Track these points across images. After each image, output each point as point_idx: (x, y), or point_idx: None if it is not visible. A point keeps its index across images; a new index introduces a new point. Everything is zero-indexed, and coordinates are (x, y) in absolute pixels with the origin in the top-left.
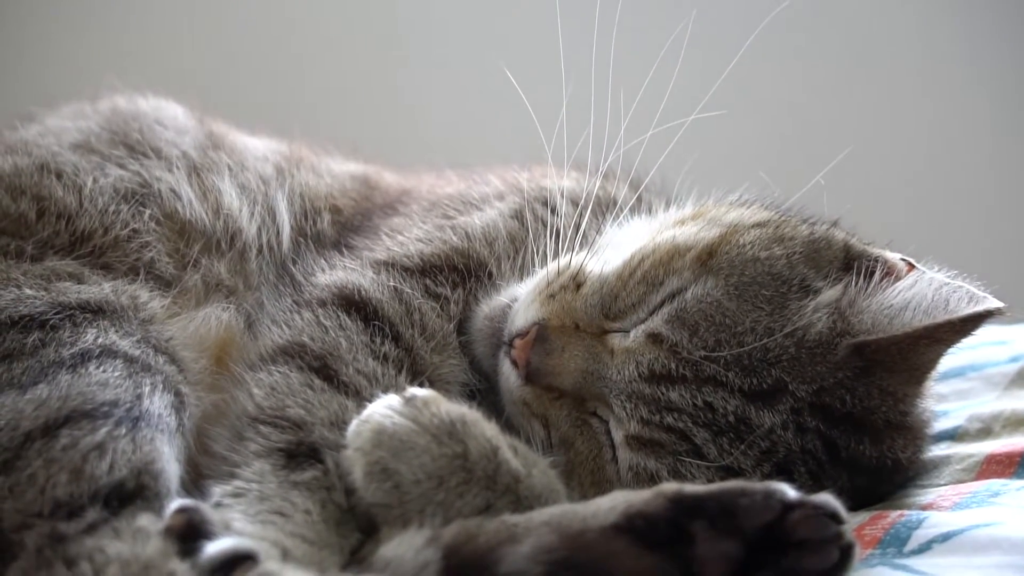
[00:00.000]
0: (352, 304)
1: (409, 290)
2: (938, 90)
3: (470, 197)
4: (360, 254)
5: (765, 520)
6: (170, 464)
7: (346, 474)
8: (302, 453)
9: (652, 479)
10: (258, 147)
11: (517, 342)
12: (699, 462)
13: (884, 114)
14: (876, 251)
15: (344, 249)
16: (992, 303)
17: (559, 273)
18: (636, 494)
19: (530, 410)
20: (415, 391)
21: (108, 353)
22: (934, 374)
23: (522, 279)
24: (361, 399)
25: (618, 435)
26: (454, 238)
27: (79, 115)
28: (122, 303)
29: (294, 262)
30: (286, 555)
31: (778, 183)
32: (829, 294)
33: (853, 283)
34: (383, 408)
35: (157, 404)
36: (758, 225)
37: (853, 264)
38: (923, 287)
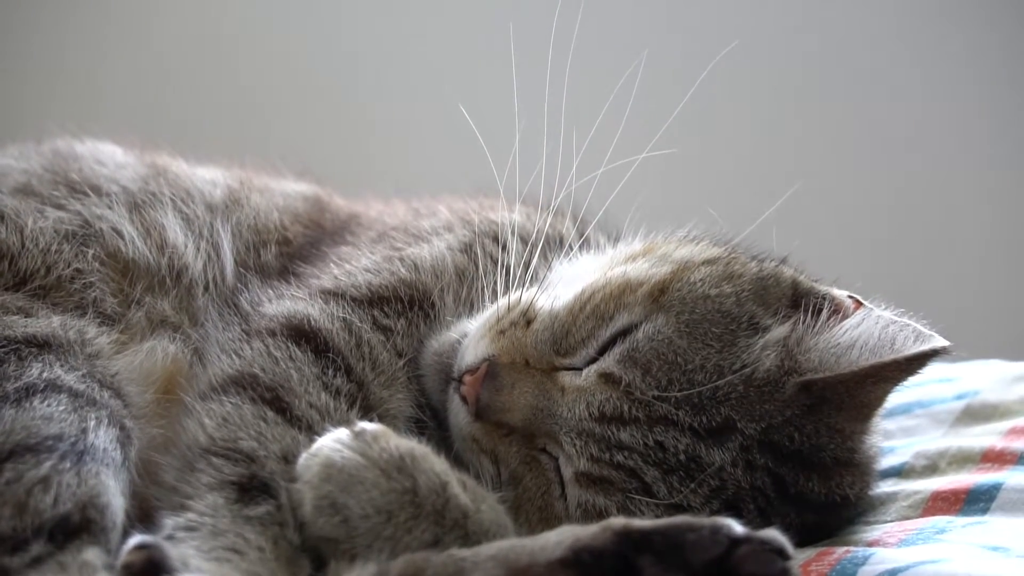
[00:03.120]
0: (302, 335)
1: (358, 322)
2: (885, 127)
3: (419, 228)
4: (308, 282)
5: (712, 555)
6: (116, 498)
7: (297, 507)
8: (255, 487)
9: (601, 516)
10: (205, 177)
11: (467, 378)
12: (648, 499)
13: (832, 151)
14: (824, 288)
15: (291, 277)
16: (938, 342)
17: (509, 309)
18: (583, 528)
19: (479, 446)
20: (364, 425)
21: (53, 387)
22: (881, 411)
23: (470, 314)
24: (313, 433)
25: (567, 472)
26: (402, 269)
27: (23, 156)
28: (69, 338)
29: (240, 292)
30: None
31: (727, 219)
32: (777, 332)
33: (801, 321)
34: (332, 442)
35: (102, 438)
36: (708, 262)
37: (801, 301)
38: (870, 325)
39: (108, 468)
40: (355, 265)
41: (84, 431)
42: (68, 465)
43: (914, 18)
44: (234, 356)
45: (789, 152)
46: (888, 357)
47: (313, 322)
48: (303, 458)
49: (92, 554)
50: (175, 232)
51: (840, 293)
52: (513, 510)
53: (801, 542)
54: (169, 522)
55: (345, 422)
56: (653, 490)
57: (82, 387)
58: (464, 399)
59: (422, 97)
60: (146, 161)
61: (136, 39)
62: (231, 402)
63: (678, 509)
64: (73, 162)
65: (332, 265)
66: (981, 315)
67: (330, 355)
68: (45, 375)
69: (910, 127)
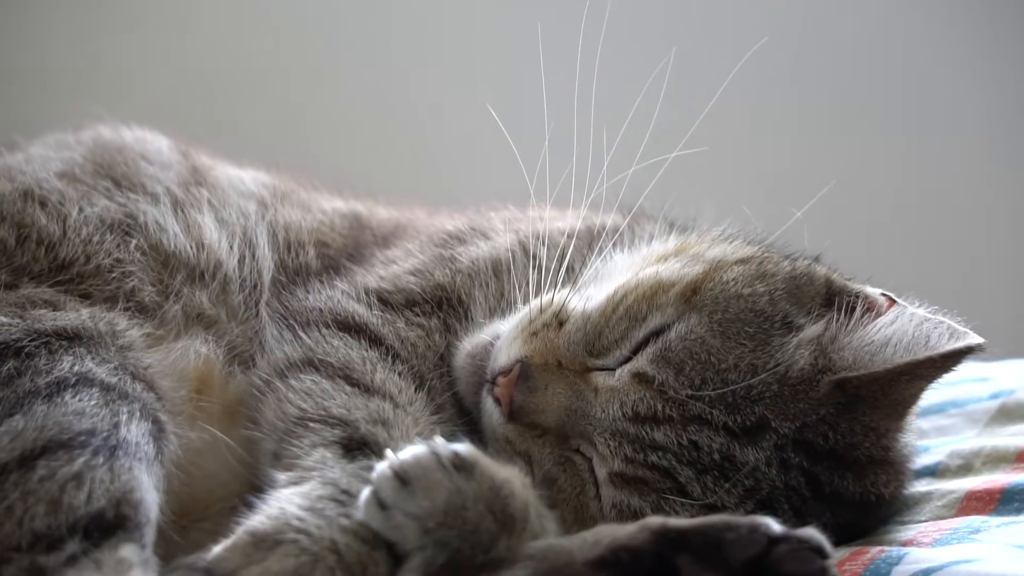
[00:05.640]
0: (351, 327)
1: (399, 322)
2: (920, 124)
3: (465, 233)
4: (353, 280)
5: (750, 554)
6: (149, 493)
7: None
8: (355, 447)
9: (635, 516)
10: (244, 180)
11: (500, 380)
12: (683, 500)
13: (866, 149)
14: (857, 287)
15: (336, 273)
16: (973, 339)
17: (541, 310)
18: (621, 528)
19: (513, 447)
20: (467, 453)
21: (84, 381)
22: (915, 409)
23: (504, 315)
24: (396, 404)
25: (601, 472)
26: (444, 272)
27: (63, 146)
28: (100, 329)
29: (287, 288)
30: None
31: (760, 218)
32: (811, 330)
33: (835, 319)
34: (436, 472)
35: (135, 432)
36: (741, 261)
37: (834, 300)
38: (904, 323)
39: (141, 463)
40: (401, 267)
41: (116, 425)
42: (101, 461)
43: (951, 13)
44: (295, 344)
45: (823, 150)
46: (923, 355)
47: (359, 317)
48: (408, 496)
49: (128, 551)
50: (211, 230)
51: (873, 291)
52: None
53: (835, 542)
54: (282, 476)
55: (416, 402)
56: (687, 490)
57: (114, 380)
58: (497, 401)
59: (450, 98)
60: (188, 164)
61: (165, 45)
62: (310, 379)
63: (712, 509)
64: (119, 155)
65: (379, 266)
66: (1016, 314)
67: (385, 345)
68: (76, 368)
69: (945, 124)
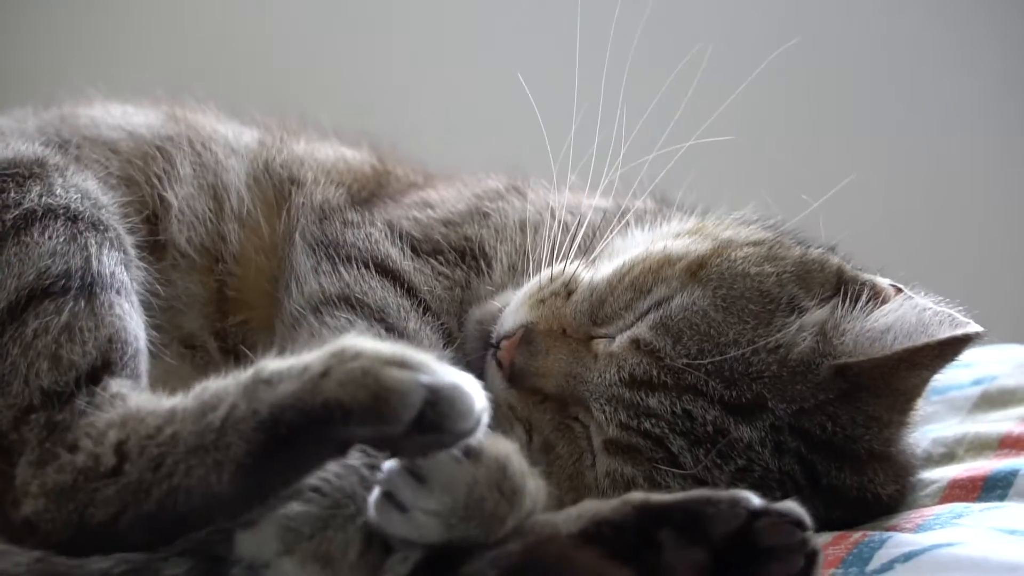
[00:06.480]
0: (387, 272)
1: (428, 270)
2: (942, 119)
3: (503, 190)
4: (388, 217)
5: (732, 528)
6: (132, 321)
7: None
8: None
9: (628, 486)
10: (241, 128)
11: (504, 343)
12: (674, 471)
13: (887, 142)
14: (867, 276)
15: (373, 207)
16: (972, 328)
17: (551, 279)
18: (604, 502)
19: (514, 413)
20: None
21: (50, 213)
22: (919, 403)
23: (517, 285)
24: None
25: (597, 440)
26: (473, 226)
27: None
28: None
29: (323, 221)
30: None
31: (781, 207)
32: (816, 315)
33: (840, 305)
34: (454, 467)
35: (107, 263)
36: (753, 243)
37: (843, 288)
38: (906, 311)
39: (120, 295)
40: (435, 213)
41: (87, 260)
42: (83, 304)
43: (970, 15)
44: (333, 277)
45: (846, 142)
46: (921, 341)
47: (393, 263)
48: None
49: (117, 385)
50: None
51: (883, 281)
52: (544, 477)
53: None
54: None
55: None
56: (679, 461)
57: (81, 208)
58: (500, 363)
59: (479, 72)
60: (165, 110)
61: (165, 44)
62: (345, 317)
63: (703, 485)
64: (73, 120)
65: (415, 208)
66: (998, 299)
67: (419, 297)
68: (44, 200)
69: (959, 124)
